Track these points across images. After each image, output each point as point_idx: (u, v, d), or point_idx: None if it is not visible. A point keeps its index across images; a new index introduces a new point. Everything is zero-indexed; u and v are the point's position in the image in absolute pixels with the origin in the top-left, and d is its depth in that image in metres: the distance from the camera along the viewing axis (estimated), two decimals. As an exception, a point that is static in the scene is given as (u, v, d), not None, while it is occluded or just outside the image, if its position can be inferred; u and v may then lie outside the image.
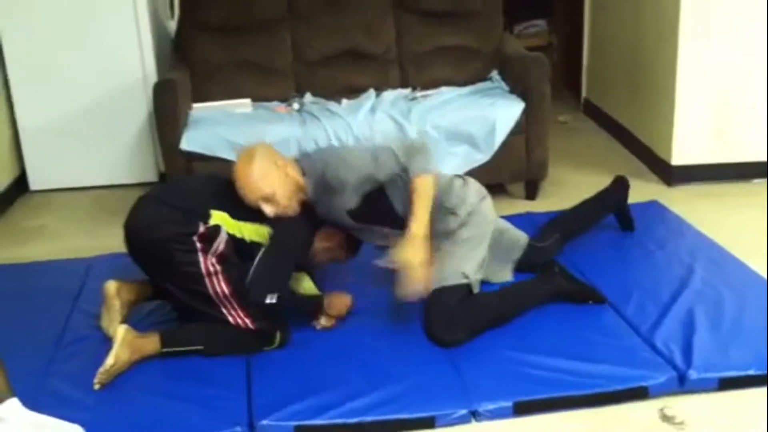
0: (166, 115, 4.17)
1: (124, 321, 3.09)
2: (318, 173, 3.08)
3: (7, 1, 4.59)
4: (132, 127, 4.84)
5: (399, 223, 3.09)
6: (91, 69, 4.71)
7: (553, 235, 3.57)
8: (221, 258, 3.00)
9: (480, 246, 3.22)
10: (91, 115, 4.78)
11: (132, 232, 3.07)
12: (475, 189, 3.31)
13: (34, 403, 2.63)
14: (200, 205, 3.04)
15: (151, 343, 2.97)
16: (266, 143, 3.15)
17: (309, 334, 3.14)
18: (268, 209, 3.02)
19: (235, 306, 3.01)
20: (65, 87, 4.73)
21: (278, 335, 3.04)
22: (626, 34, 5.15)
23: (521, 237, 3.50)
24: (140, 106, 4.79)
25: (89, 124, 4.80)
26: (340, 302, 3.18)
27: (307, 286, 3.33)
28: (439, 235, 3.18)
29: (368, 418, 2.65)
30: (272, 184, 3.00)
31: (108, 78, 4.73)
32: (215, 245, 3.00)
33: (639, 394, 2.74)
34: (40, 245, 4.19)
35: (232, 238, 3.05)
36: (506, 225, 3.52)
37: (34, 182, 4.88)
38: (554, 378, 2.79)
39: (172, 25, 5.14)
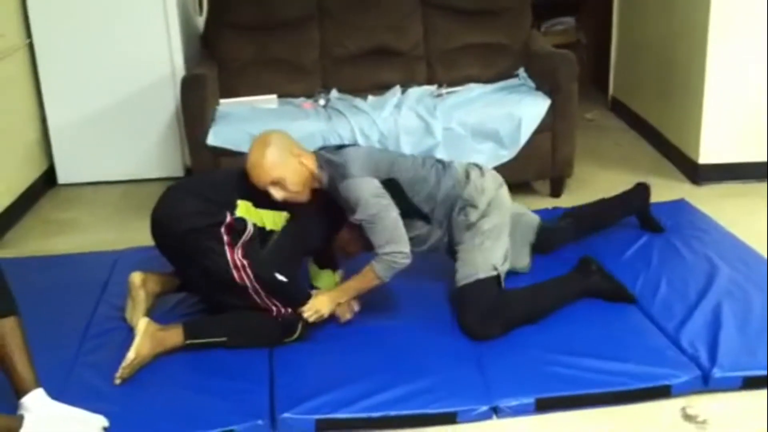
0: (194, 111, 4.20)
1: (149, 313, 3.13)
2: (333, 174, 3.06)
3: (38, -3, 4.64)
4: (159, 122, 4.88)
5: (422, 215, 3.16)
6: (119, 64, 4.75)
7: (566, 221, 3.62)
8: (246, 251, 3.01)
9: (503, 235, 3.22)
10: (119, 109, 4.82)
11: (159, 222, 3.10)
12: (491, 177, 3.31)
13: (59, 393, 2.67)
14: (227, 195, 3.06)
15: (173, 336, 2.99)
16: (279, 130, 3.16)
17: (331, 329, 3.15)
18: (277, 194, 3.02)
19: (263, 296, 3.03)
20: (94, 82, 4.78)
21: (300, 327, 3.05)
22: (655, 33, 5.12)
23: (535, 219, 3.57)
24: (168, 101, 4.82)
25: (117, 118, 4.84)
26: (318, 302, 3.10)
27: (326, 282, 3.35)
28: (461, 229, 3.19)
29: (390, 413, 2.66)
30: (284, 170, 3.00)
31: (136, 73, 4.77)
32: (242, 238, 3.01)
33: (662, 392, 2.73)
34: (67, 238, 4.24)
35: (254, 227, 3.07)
36: (521, 208, 3.56)
37: (63, 176, 4.93)
38: (576, 375, 2.79)
39: (201, 21, 5.17)
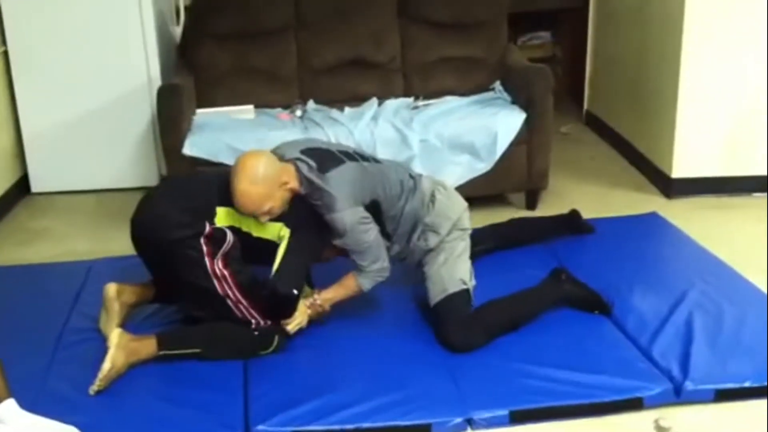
0: (170, 120, 4.18)
1: (123, 324, 3.11)
2: (315, 196, 3.04)
3: (13, 4, 4.61)
4: (135, 131, 4.86)
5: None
6: (95, 72, 4.72)
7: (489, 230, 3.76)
8: (226, 260, 3.00)
9: (464, 254, 3.25)
10: (94, 118, 4.80)
11: (138, 229, 3.08)
12: (457, 201, 3.33)
13: (31, 404, 2.65)
14: (206, 203, 3.03)
15: (147, 346, 2.97)
16: (267, 154, 3.09)
17: (306, 340, 3.14)
18: (263, 219, 3.02)
19: (245, 306, 3.02)
20: (69, 89, 4.75)
21: (276, 339, 3.04)
22: (629, 47, 5.17)
23: None
24: (144, 110, 4.80)
25: (92, 127, 4.81)
26: (298, 314, 3.11)
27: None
28: (421, 252, 3.24)
29: (365, 425, 2.66)
30: (272, 202, 2.98)
31: (112, 82, 4.75)
32: (222, 249, 3.00)
33: (634, 404, 2.75)
34: (41, 247, 4.20)
35: (237, 232, 3.04)
36: None
37: (36, 184, 4.89)
38: (551, 387, 2.80)
39: (178, 30, 5.16)
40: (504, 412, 2.70)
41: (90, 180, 4.91)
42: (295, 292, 3.03)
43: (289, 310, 3.08)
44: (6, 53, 4.68)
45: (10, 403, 2.58)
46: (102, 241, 4.13)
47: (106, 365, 2.84)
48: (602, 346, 3.05)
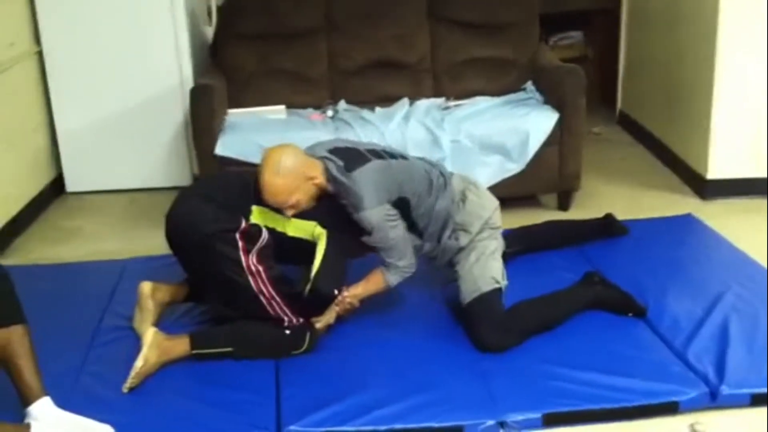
0: (202, 121, 4.21)
1: (157, 322, 3.13)
2: (340, 187, 3.04)
3: (47, 5, 4.65)
4: (168, 132, 4.89)
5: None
6: (128, 73, 4.76)
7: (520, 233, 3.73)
8: (260, 257, 3.01)
9: (497, 253, 3.23)
10: (128, 118, 4.84)
11: (174, 226, 3.09)
12: (488, 199, 3.31)
13: (65, 402, 2.68)
14: (242, 201, 3.05)
15: (180, 345, 2.99)
16: (294, 147, 3.10)
17: (338, 340, 3.15)
18: (289, 212, 3.02)
19: (279, 303, 3.03)
20: (103, 90, 4.79)
21: (307, 338, 3.05)
22: (663, 47, 5.12)
23: None
24: (176, 111, 4.83)
25: (126, 127, 4.85)
26: (327, 312, 3.15)
27: None
28: (452, 252, 3.23)
29: (397, 426, 2.66)
30: (298, 195, 2.99)
31: (145, 82, 4.79)
32: (257, 245, 3.01)
33: (670, 408, 2.72)
34: (75, 246, 4.24)
35: (271, 232, 3.05)
36: None
37: (71, 184, 4.94)
38: (584, 391, 2.78)
39: (210, 31, 5.19)
40: (537, 415, 2.68)
41: (123, 180, 4.95)
42: (336, 292, 3.06)
43: (317, 307, 3.09)
44: (41, 54, 4.73)
45: (46, 401, 2.61)
46: (135, 240, 4.16)
47: (139, 362, 2.86)
48: (636, 349, 3.02)
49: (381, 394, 2.79)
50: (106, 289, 3.56)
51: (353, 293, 3.14)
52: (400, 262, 3.09)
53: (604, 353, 3.00)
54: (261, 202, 3.03)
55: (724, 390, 2.74)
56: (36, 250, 4.20)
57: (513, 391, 2.80)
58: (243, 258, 2.98)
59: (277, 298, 3.03)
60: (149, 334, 2.94)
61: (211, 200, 3.07)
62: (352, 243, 3.12)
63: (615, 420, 2.70)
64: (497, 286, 3.14)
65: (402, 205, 3.09)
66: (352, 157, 3.10)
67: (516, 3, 4.86)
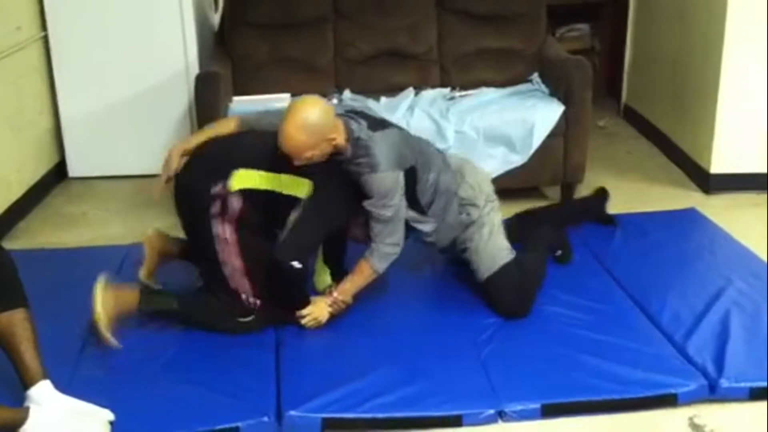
0: (207, 107, 4.20)
1: (154, 270, 3.26)
2: (359, 149, 3.00)
3: (53, -8, 4.66)
4: (172, 118, 4.89)
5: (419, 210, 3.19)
6: (133, 59, 4.76)
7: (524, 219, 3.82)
8: (238, 225, 3.00)
9: (501, 227, 3.32)
10: (132, 104, 4.84)
11: (178, 187, 3.14)
12: (484, 174, 3.42)
13: (66, 386, 2.69)
14: (227, 164, 3.02)
15: (129, 297, 3.07)
16: (323, 103, 3.04)
17: (339, 328, 3.16)
18: (298, 163, 2.98)
19: (245, 277, 3.04)
20: (107, 76, 4.79)
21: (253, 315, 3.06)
22: (670, 41, 5.11)
23: None
24: (181, 97, 4.83)
25: (129, 113, 4.85)
26: (317, 309, 3.13)
27: (323, 280, 3.34)
28: (463, 227, 3.26)
29: (395, 414, 2.67)
30: (314, 151, 2.95)
31: (150, 68, 4.78)
32: (231, 210, 2.98)
33: (669, 401, 2.73)
34: (77, 232, 4.25)
35: (265, 193, 3.03)
36: None
37: (74, 169, 4.94)
38: (583, 381, 2.79)
39: (216, 18, 5.18)
40: (536, 405, 2.69)
41: (126, 166, 4.94)
42: (297, 264, 2.96)
43: (296, 293, 3.07)
44: (46, 38, 4.73)
45: (46, 385, 2.61)
46: (138, 226, 4.15)
47: (97, 308, 2.97)
48: (637, 342, 3.02)
49: (381, 383, 2.80)
50: (109, 274, 3.55)
51: (342, 289, 3.15)
52: (388, 239, 3.05)
53: (605, 345, 3.00)
54: (257, 162, 3.01)
55: (723, 383, 2.74)
56: (39, 235, 4.21)
57: (512, 381, 2.81)
58: (217, 224, 2.99)
59: (242, 269, 3.02)
60: (99, 285, 3.01)
61: (211, 159, 3.09)
62: (340, 214, 3.10)
63: (614, 411, 2.71)
64: (513, 256, 3.25)
65: (411, 176, 3.09)
66: (373, 120, 3.12)
67: (524, -6, 4.85)
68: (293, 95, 4.60)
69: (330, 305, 3.14)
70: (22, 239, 4.14)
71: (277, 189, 3.05)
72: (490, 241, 3.24)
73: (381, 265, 3.10)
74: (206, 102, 4.20)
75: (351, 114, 3.09)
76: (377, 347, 3.04)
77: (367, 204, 3.02)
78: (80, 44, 4.73)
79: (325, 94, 4.62)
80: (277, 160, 3.01)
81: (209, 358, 2.98)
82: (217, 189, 2.98)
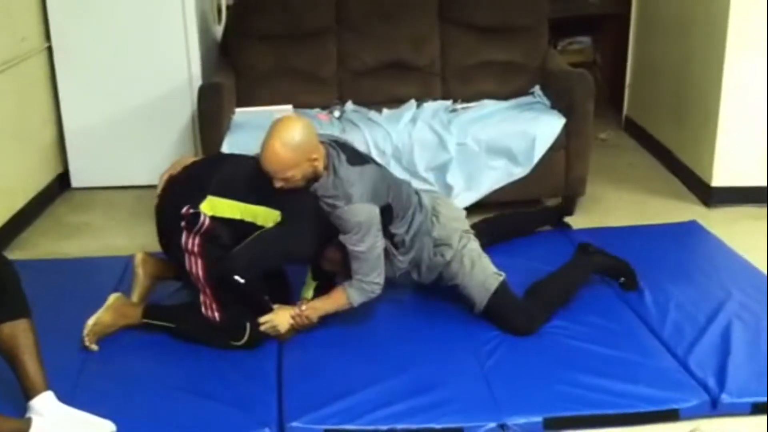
0: (210, 118, 4.22)
1: (147, 294, 3.29)
2: (335, 179, 3.02)
3: (58, 2, 4.66)
4: (175, 129, 4.90)
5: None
6: (137, 70, 4.77)
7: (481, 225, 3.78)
8: (203, 241, 3.02)
9: (482, 254, 3.32)
10: (135, 115, 4.84)
11: (156, 207, 3.25)
12: (457, 210, 3.47)
13: (68, 397, 2.69)
14: (201, 189, 3.05)
15: (135, 312, 3.16)
16: (307, 122, 3.09)
17: (340, 338, 3.16)
18: (278, 184, 2.98)
19: (207, 292, 3.07)
20: (111, 87, 4.80)
21: (248, 331, 3.06)
22: (671, 54, 5.12)
23: None
24: (184, 108, 4.84)
25: (133, 124, 4.86)
26: (277, 318, 3.12)
27: (306, 292, 3.31)
28: (441, 267, 3.28)
29: (398, 426, 2.67)
30: (296, 171, 2.96)
31: (153, 79, 4.79)
32: (198, 225, 3.00)
33: (670, 416, 2.73)
34: (80, 242, 4.26)
35: (236, 222, 3.04)
36: None
37: (77, 180, 4.95)
38: (586, 395, 2.79)
39: (219, 29, 5.19)
40: (538, 418, 2.69)
41: (129, 176, 4.95)
42: (239, 278, 2.97)
43: (250, 301, 3.09)
44: (50, 49, 4.74)
45: (48, 396, 2.62)
46: (140, 236, 4.16)
47: (90, 321, 3.09)
48: (639, 355, 3.02)
49: (383, 394, 2.80)
50: (111, 284, 3.56)
51: (312, 306, 3.14)
52: (367, 278, 3.03)
53: (606, 359, 3.00)
54: (218, 193, 3.03)
55: (725, 398, 2.74)
56: (41, 245, 4.22)
57: (515, 394, 2.81)
58: (183, 236, 3.02)
59: (204, 283, 3.05)
60: (111, 297, 3.14)
61: (187, 184, 3.15)
62: (302, 245, 3.08)
63: (615, 426, 2.70)
64: (501, 278, 3.24)
65: (387, 214, 3.10)
66: (352, 154, 3.14)
67: (526, 7, 4.86)
68: (296, 106, 4.63)
69: (293, 316, 3.12)
70: (25, 249, 4.14)
71: (247, 219, 3.06)
72: (475, 269, 3.23)
73: (357, 299, 3.07)
74: (209, 113, 4.21)
75: (333, 143, 3.12)
76: (379, 359, 3.04)
77: (342, 238, 3.01)
78: (84, 55, 4.74)
79: (327, 106, 4.66)
80: (251, 189, 3.05)
81: (211, 369, 2.99)
82: (185, 210, 3.01)
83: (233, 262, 3.00)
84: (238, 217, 3.05)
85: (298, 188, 3.03)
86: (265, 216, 3.06)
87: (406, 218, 3.21)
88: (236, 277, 2.98)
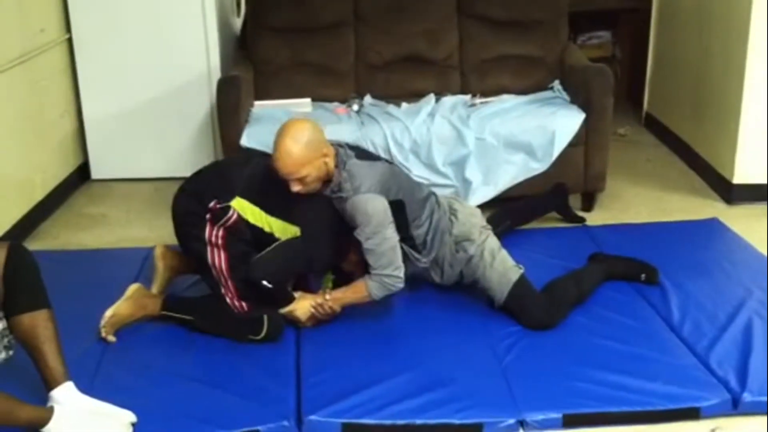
0: (229, 111, 4.22)
1: (168, 285, 3.31)
2: (345, 174, 3.06)
3: (78, -5, 4.69)
4: (193, 121, 4.91)
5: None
6: (156, 63, 4.78)
7: (503, 222, 3.79)
8: (227, 233, 3.05)
9: (501, 248, 3.33)
10: (155, 107, 4.86)
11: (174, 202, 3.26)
12: (473, 207, 3.51)
13: (88, 388, 2.70)
14: (230, 191, 3.09)
15: (154, 304, 3.16)
16: (315, 123, 3.12)
17: (359, 332, 3.16)
18: (295, 187, 3.01)
19: (229, 284, 3.08)
20: (130, 79, 4.82)
21: (265, 326, 3.07)
22: (692, 50, 5.08)
23: None
24: (203, 101, 4.85)
25: (152, 116, 4.87)
26: (299, 307, 3.16)
27: (327, 281, 3.33)
28: (464, 264, 3.29)
29: (416, 421, 2.66)
30: (310, 168, 2.99)
31: (173, 72, 4.80)
32: (224, 219, 3.04)
33: (691, 414, 2.71)
34: (99, 233, 4.27)
35: (257, 229, 3.09)
36: None
37: (96, 171, 4.97)
38: (605, 393, 2.77)
39: (238, 22, 5.19)
40: (557, 415, 2.68)
41: (148, 168, 4.97)
42: (266, 283, 3.03)
43: (275, 297, 3.11)
44: (70, 41, 4.76)
45: (69, 386, 2.63)
46: (158, 228, 4.17)
47: (108, 312, 3.09)
48: (659, 353, 3.00)
49: (401, 388, 2.80)
50: (129, 276, 3.57)
51: (333, 297, 3.14)
52: (386, 270, 3.03)
53: (626, 356, 2.99)
54: (254, 198, 3.08)
55: (746, 397, 2.72)
56: (60, 236, 4.24)
57: (534, 390, 2.80)
58: (208, 227, 3.04)
59: (226, 275, 3.06)
60: (131, 288, 3.15)
61: (191, 191, 3.19)
62: (321, 255, 3.15)
63: (635, 423, 2.69)
64: (521, 271, 3.26)
65: (398, 207, 3.10)
66: (362, 152, 3.22)
67: (545, 1, 4.83)
68: (314, 100, 4.63)
69: (314, 306, 3.14)
70: (45, 240, 4.17)
71: (266, 228, 3.11)
72: (495, 262, 3.25)
73: (377, 293, 3.07)
74: (228, 106, 4.22)
75: (341, 144, 3.18)
76: (398, 353, 3.05)
77: (355, 233, 3.03)
78: (104, 47, 4.75)
79: (345, 99, 4.66)
80: (274, 201, 3.09)
81: (230, 361, 2.99)
82: (212, 204, 3.04)
83: (260, 268, 3.04)
84: (259, 224, 3.10)
85: (315, 198, 3.08)
86: (284, 230, 3.11)
87: (425, 218, 3.22)
88: (264, 282, 3.03)
